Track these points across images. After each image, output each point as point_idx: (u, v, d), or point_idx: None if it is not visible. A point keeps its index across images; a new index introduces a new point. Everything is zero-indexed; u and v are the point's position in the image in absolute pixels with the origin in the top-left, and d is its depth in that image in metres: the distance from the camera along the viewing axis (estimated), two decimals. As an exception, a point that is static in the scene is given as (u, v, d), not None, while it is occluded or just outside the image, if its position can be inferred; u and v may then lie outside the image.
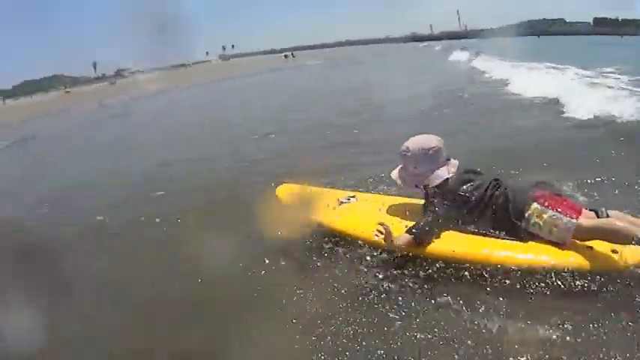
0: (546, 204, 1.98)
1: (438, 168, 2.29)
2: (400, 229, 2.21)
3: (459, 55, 18.73)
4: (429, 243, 2.14)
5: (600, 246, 1.88)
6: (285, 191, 3.05)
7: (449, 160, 2.34)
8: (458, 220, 2.18)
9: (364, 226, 2.37)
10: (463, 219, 2.17)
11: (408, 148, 2.34)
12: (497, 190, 2.16)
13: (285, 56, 55.26)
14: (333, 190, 3.07)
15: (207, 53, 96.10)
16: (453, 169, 2.30)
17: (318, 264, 2.37)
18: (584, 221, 1.91)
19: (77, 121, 17.38)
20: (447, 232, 2.19)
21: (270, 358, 1.83)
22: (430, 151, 2.28)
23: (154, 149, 6.98)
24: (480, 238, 2.10)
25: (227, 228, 2.97)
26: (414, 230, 2.15)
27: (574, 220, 1.90)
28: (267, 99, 12.91)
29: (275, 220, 2.77)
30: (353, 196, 2.84)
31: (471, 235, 2.13)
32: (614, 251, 1.85)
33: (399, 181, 2.43)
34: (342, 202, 2.78)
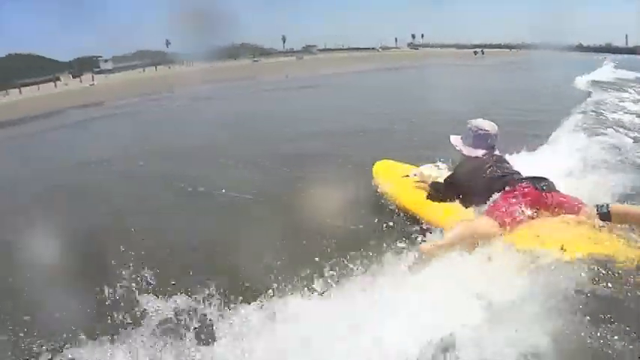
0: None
1: (478, 148, 2.65)
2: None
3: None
4: (441, 199, 2.61)
5: None
6: (381, 167, 3.51)
7: (495, 150, 2.66)
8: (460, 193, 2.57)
9: (412, 200, 2.85)
10: (466, 192, 2.54)
11: (469, 122, 2.77)
12: (506, 179, 2.39)
13: (475, 53, 52.39)
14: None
15: (395, 40, 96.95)
16: (490, 158, 2.60)
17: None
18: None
19: (259, 89, 20.19)
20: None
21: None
22: (478, 132, 2.67)
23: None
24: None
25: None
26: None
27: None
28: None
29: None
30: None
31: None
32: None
33: (452, 142, 2.82)
34: (406, 176, 3.10)
